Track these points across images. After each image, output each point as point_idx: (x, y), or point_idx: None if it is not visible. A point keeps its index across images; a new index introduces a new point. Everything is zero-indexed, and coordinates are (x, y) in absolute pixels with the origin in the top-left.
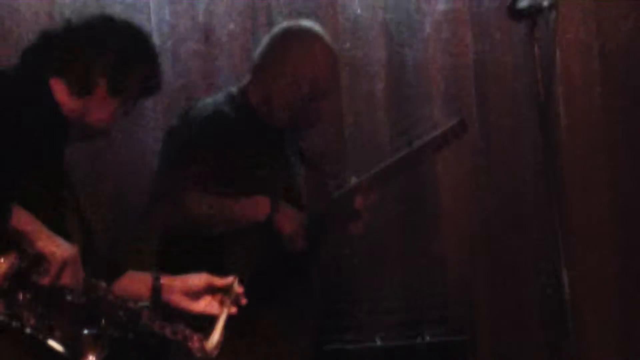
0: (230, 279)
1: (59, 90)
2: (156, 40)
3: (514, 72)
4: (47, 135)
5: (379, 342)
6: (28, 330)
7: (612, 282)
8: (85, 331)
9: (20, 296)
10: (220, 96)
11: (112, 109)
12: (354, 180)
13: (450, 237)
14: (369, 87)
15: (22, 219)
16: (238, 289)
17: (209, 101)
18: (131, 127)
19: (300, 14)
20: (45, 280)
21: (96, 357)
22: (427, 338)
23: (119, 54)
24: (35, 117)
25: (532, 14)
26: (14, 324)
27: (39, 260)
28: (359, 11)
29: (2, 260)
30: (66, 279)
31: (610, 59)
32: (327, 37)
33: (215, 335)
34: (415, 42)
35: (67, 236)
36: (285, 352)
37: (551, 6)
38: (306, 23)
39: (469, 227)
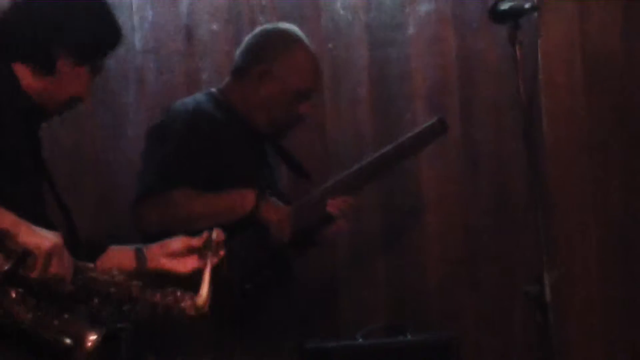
0: (205, 234)
1: (24, 74)
2: (139, 39)
3: (497, 73)
4: (18, 121)
5: (360, 340)
6: (24, 327)
7: (595, 284)
8: (80, 313)
9: (13, 294)
10: (200, 95)
11: (84, 77)
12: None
13: (434, 238)
14: (352, 87)
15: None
16: (216, 238)
17: (189, 100)
18: (113, 125)
19: (283, 14)
20: (34, 274)
21: (95, 337)
22: (409, 336)
23: (71, 21)
24: (4, 105)
25: (514, 16)
26: (9, 322)
27: (25, 255)
28: (341, 12)
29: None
30: (54, 269)
31: (594, 61)
32: (306, 40)
33: (204, 289)
34: (398, 43)
35: (47, 222)
36: (270, 349)
37: (533, 8)
38: (285, 25)
39: (453, 228)
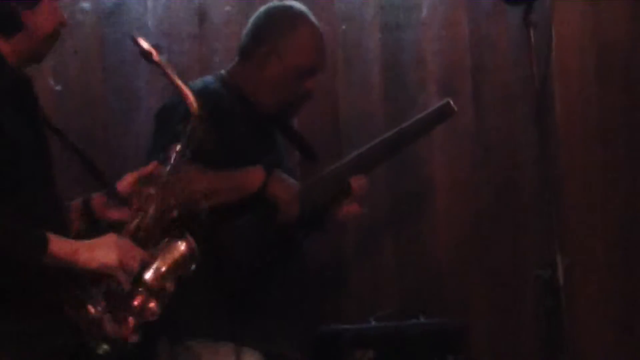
0: (151, 165)
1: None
2: (151, 22)
3: (510, 58)
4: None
5: (373, 323)
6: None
7: (606, 269)
8: None
9: (92, 310)
10: (209, 77)
11: (55, 8)
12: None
13: (444, 223)
14: (364, 70)
15: (57, 245)
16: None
17: (197, 81)
18: (125, 110)
19: None
20: (127, 286)
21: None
22: (422, 319)
23: None
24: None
25: None
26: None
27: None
28: None
29: (93, 309)
30: (134, 265)
31: (608, 48)
32: (311, 16)
33: (187, 94)
34: (411, 26)
35: (58, 204)
36: (283, 332)
37: None
38: (289, 2)
39: (463, 214)
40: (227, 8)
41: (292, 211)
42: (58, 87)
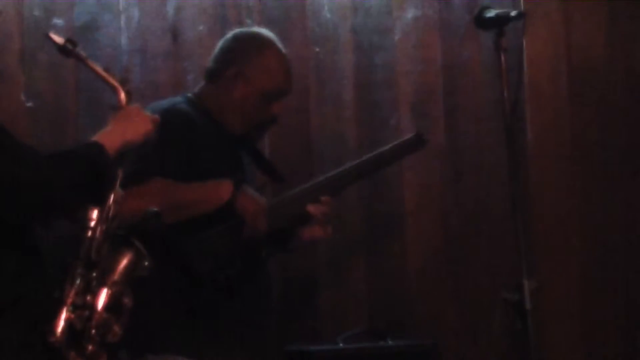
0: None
1: None
2: (125, 39)
3: (482, 81)
4: None
5: (341, 345)
6: None
7: (574, 292)
8: None
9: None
10: (177, 98)
11: None
12: (311, 182)
13: (415, 245)
14: (337, 92)
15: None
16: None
17: (165, 101)
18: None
19: (270, 16)
20: None
21: None
22: (390, 342)
23: None
24: None
25: (500, 23)
26: None
27: None
28: (328, 15)
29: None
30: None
31: (579, 70)
32: (278, 42)
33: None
34: (384, 48)
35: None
36: (245, 349)
37: (519, 15)
38: (257, 29)
39: (433, 236)
40: (201, 27)
41: (259, 226)
42: (29, 104)
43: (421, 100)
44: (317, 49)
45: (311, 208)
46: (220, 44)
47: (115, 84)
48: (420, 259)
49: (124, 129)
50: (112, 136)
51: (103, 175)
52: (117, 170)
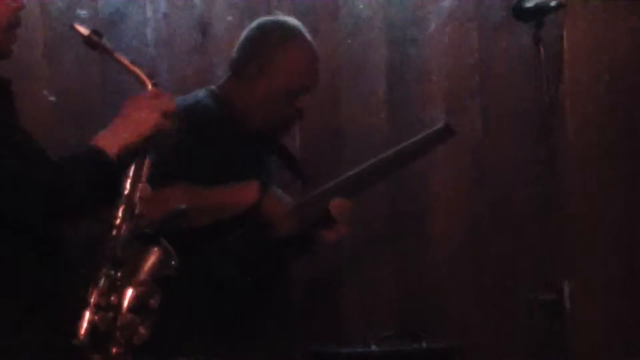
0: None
1: None
2: (151, 31)
3: (520, 73)
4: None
5: (374, 347)
6: None
7: (613, 294)
8: None
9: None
10: (201, 92)
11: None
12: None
13: (442, 244)
14: (369, 86)
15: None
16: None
17: (189, 96)
18: None
19: (300, 8)
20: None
21: None
22: (424, 344)
23: None
24: None
25: (539, 14)
26: None
27: None
28: (361, 6)
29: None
30: (167, 104)
31: (621, 64)
32: (304, 32)
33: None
34: (418, 41)
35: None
36: (271, 351)
37: (559, 6)
38: (284, 18)
39: (462, 236)
40: (229, 18)
41: (287, 229)
42: (52, 98)
43: (456, 94)
44: (349, 41)
45: (333, 208)
46: (244, 33)
47: (143, 76)
48: (447, 257)
49: (124, 127)
50: (111, 137)
51: (112, 179)
52: (143, 162)
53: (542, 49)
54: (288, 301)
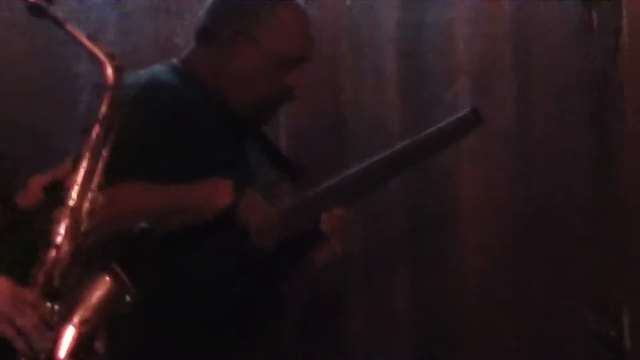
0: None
1: None
2: None
3: (565, 45)
4: None
5: None
6: None
7: None
8: None
9: None
10: (158, 66)
11: None
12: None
13: (473, 254)
14: (376, 59)
15: None
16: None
17: (143, 71)
18: (61, 104)
19: None
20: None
21: None
22: None
23: None
24: None
25: None
26: None
27: None
28: None
29: None
30: (31, 331)
31: None
32: None
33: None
34: (437, 3)
35: None
36: None
37: None
38: None
39: (497, 241)
40: None
41: (266, 240)
42: None
43: (485, 70)
44: (349, 3)
45: (324, 222)
46: None
47: (102, 56)
48: (479, 270)
49: None
50: None
51: None
52: (96, 165)
53: (594, 14)
54: (283, 320)
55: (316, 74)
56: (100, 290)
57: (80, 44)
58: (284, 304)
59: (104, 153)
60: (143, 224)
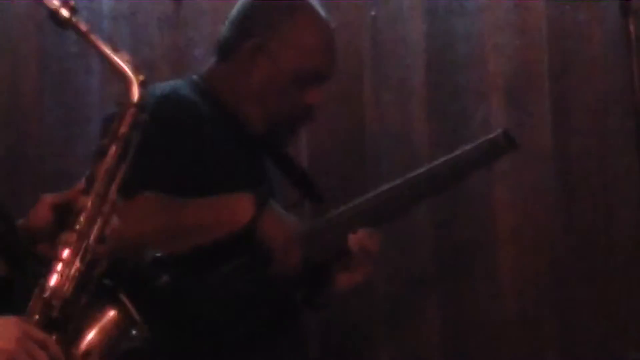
0: (72, 191)
1: None
2: (106, 3)
3: (604, 57)
4: None
5: None
6: None
7: None
8: None
9: None
10: (178, 81)
11: None
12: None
13: (509, 286)
14: (401, 73)
15: None
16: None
17: (164, 85)
18: (69, 122)
19: None
20: None
21: None
22: None
23: None
24: None
25: None
26: None
27: None
28: None
29: None
30: None
31: None
32: (316, 3)
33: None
34: (467, 13)
35: None
36: None
37: None
38: None
39: (536, 276)
40: None
41: (290, 260)
42: None
43: (519, 84)
44: (373, 13)
45: (352, 241)
46: (237, 7)
47: (128, 72)
48: (516, 303)
49: None
50: None
51: None
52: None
53: (632, 23)
54: (303, 352)
55: (338, 89)
56: (102, 321)
57: (105, 56)
58: (302, 335)
59: (119, 175)
60: (156, 253)
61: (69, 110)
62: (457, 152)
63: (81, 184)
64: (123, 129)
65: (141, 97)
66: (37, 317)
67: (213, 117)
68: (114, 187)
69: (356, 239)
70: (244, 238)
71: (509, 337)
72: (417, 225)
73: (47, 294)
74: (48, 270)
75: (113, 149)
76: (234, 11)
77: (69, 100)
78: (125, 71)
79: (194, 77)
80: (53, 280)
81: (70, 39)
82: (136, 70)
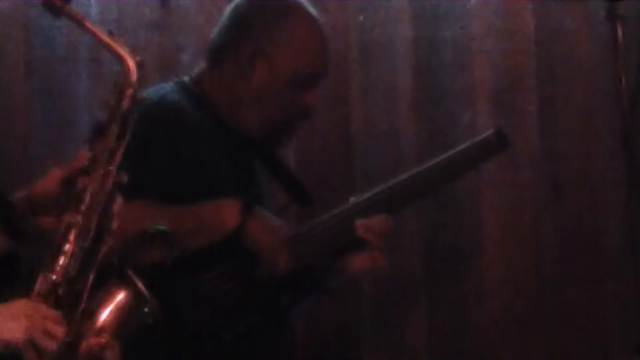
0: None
1: None
2: (95, 5)
3: (591, 61)
4: None
5: None
6: None
7: None
8: None
9: None
10: (167, 85)
11: None
12: (352, 201)
13: (496, 288)
14: (389, 76)
15: None
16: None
17: (153, 89)
18: (58, 124)
19: None
20: None
21: None
22: None
23: None
24: None
25: None
26: None
27: None
28: None
29: None
30: (49, 345)
31: None
32: (310, 7)
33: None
34: (455, 17)
35: None
36: None
37: None
38: None
39: (521, 275)
40: None
41: (278, 264)
42: None
43: (506, 88)
44: (361, 18)
45: (360, 228)
46: (228, 10)
47: (123, 52)
48: (502, 306)
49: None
50: None
51: None
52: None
53: (620, 28)
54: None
55: (326, 91)
56: (116, 299)
57: (101, 41)
58: (290, 337)
59: (119, 154)
60: (160, 226)
61: (57, 113)
62: (450, 152)
63: (84, 153)
64: (122, 109)
65: (138, 77)
66: (43, 295)
67: (204, 122)
68: (114, 165)
69: (365, 225)
70: (232, 243)
71: (495, 339)
72: (404, 227)
73: (53, 274)
74: (53, 249)
75: (114, 129)
76: (226, 16)
77: (57, 104)
78: (122, 53)
79: (185, 79)
80: (59, 260)
81: (58, 43)
82: (132, 52)
